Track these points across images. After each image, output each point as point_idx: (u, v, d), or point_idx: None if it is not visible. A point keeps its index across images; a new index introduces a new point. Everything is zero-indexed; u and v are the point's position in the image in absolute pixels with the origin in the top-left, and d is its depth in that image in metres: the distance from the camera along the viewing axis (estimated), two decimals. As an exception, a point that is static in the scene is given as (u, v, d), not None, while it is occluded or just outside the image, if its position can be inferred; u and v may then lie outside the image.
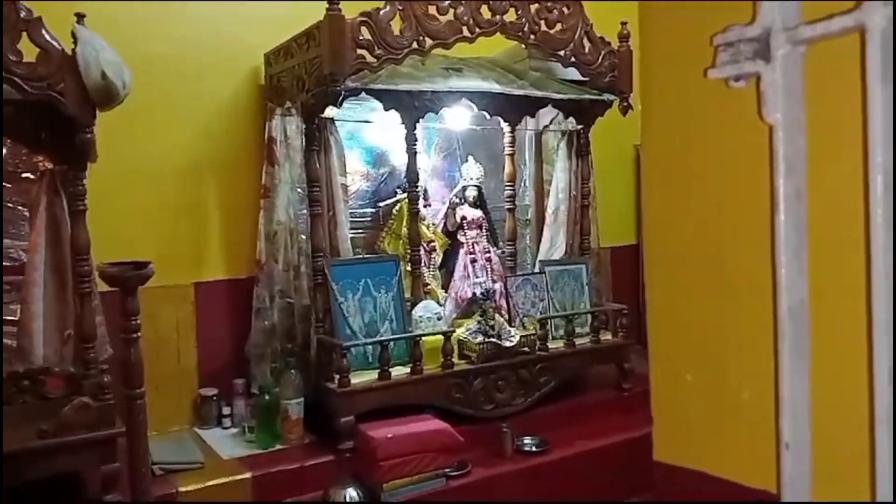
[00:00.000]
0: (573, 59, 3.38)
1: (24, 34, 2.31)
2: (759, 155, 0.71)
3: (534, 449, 3.20)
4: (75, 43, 2.37)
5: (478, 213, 3.80)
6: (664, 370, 0.85)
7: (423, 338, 3.15)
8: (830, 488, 0.68)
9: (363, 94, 3.14)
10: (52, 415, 2.33)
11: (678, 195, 0.82)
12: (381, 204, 3.68)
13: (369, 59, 2.86)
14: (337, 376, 2.93)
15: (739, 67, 0.71)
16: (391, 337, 3.12)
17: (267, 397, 3.01)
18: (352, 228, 3.51)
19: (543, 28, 3.25)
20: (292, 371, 3.01)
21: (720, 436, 0.77)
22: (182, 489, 2.66)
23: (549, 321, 3.57)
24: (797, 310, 0.70)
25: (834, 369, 0.69)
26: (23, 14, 2.29)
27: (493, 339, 3.28)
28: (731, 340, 0.78)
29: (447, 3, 2.98)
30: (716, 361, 0.79)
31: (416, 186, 3.37)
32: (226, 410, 3.20)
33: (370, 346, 3.11)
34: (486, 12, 3.09)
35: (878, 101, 0.61)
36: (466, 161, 3.83)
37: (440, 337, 3.18)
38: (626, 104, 3.55)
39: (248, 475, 2.77)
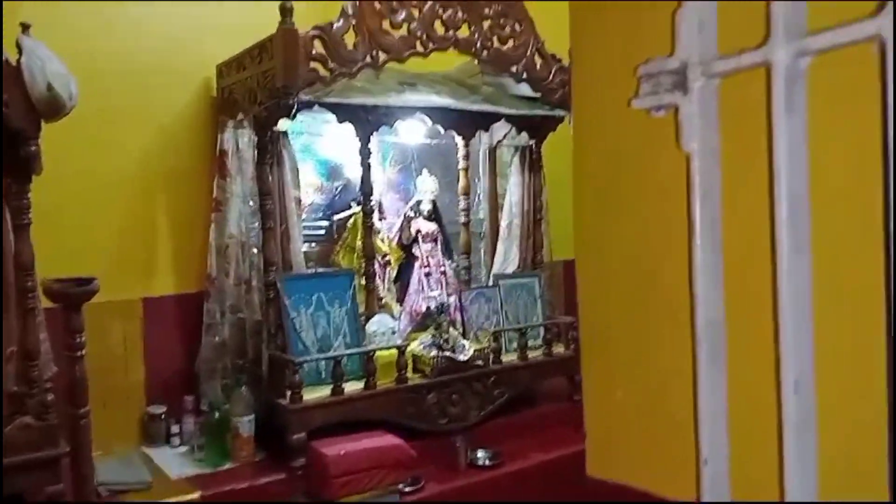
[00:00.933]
0: (525, 75, 3.44)
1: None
2: (679, 181, 0.74)
3: (487, 462, 3.21)
4: (20, 53, 2.33)
5: (433, 226, 3.83)
6: (596, 387, 0.87)
7: (377, 352, 3.15)
8: (749, 498, 0.72)
9: (317, 106, 3.15)
10: (-8, 435, 2.26)
11: (606, 218, 0.86)
12: (336, 217, 3.67)
13: (323, 72, 2.87)
14: (289, 392, 2.90)
15: (660, 98, 0.74)
16: (344, 352, 3.11)
17: (217, 414, 2.97)
18: (305, 242, 3.49)
19: (496, 44, 3.31)
20: (243, 387, 2.98)
21: (648, 450, 0.80)
22: (128, 509, 2.60)
23: (502, 334, 3.60)
24: (713, 325, 0.74)
25: (748, 382, 0.72)
26: (-36, 24, 2.24)
27: (448, 353, 3.30)
28: (657, 357, 0.81)
29: (401, 18, 3.01)
30: (644, 377, 0.82)
31: (371, 200, 3.38)
32: (174, 429, 3.14)
33: (323, 362, 3.10)
34: (439, 28, 3.13)
35: (783, 132, 0.65)
36: (421, 174, 3.85)
37: (394, 351, 3.19)
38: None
39: (196, 495, 2.72)
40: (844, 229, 0.65)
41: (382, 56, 2.99)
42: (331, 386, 3.01)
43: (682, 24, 0.72)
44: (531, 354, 3.61)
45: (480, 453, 3.23)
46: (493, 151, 4.21)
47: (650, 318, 0.79)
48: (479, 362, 3.40)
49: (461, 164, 3.96)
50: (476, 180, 4.17)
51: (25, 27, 2.38)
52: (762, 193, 0.66)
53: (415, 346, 3.35)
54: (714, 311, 0.72)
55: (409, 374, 3.23)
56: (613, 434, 0.83)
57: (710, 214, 0.73)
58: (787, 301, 0.66)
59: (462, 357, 3.33)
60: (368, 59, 2.95)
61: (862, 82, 0.61)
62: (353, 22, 2.90)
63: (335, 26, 2.86)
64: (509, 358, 3.57)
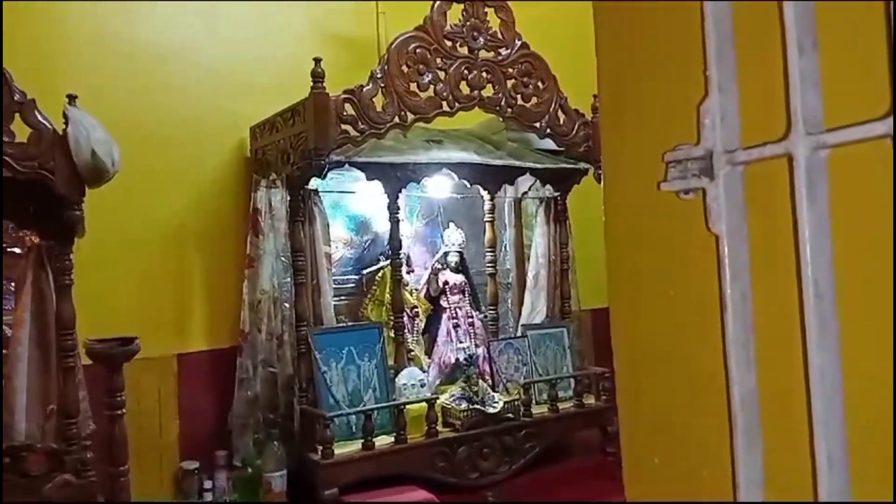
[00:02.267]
0: (549, 130, 3.51)
1: (17, 115, 2.39)
2: (710, 259, 0.78)
3: (519, 517, 3.19)
4: (66, 123, 2.45)
5: (460, 277, 3.87)
6: (634, 454, 0.90)
7: (407, 406, 3.17)
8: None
9: (347, 165, 3.24)
10: (33, 493, 2.31)
11: (640, 296, 0.89)
12: (365, 271, 3.74)
13: (353, 133, 2.97)
14: (320, 447, 2.93)
15: (687, 183, 0.78)
16: (374, 406, 3.14)
17: (249, 470, 3.00)
18: (335, 296, 3.55)
19: (520, 102, 3.39)
20: (275, 442, 3.01)
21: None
22: (162, 567, 2.62)
23: (532, 386, 3.60)
24: (747, 400, 0.76)
25: (783, 457, 0.74)
26: (17, 97, 2.37)
27: (477, 406, 3.30)
28: (693, 427, 0.83)
29: (427, 80, 3.11)
30: (679, 445, 0.84)
31: (399, 254, 3.44)
32: (207, 484, 3.17)
33: (354, 416, 3.12)
34: (464, 88, 3.22)
35: (805, 220, 0.69)
36: (448, 227, 3.92)
37: (424, 404, 3.20)
38: (601, 172, 3.66)
39: (230, 551, 2.73)
40: (869, 311, 0.68)
41: (410, 116, 3.08)
42: (361, 440, 3.03)
43: (706, 115, 0.77)
44: (562, 406, 3.60)
45: (512, 508, 3.21)
46: (518, 203, 4.27)
47: (685, 391, 0.82)
48: (510, 415, 3.40)
49: (487, 217, 4.02)
50: (502, 231, 4.23)
51: (71, 98, 2.51)
52: (790, 273, 0.70)
53: (444, 399, 3.36)
54: (747, 387, 0.75)
55: (440, 427, 3.23)
56: (653, 498, 0.86)
57: (741, 292, 0.76)
58: (816, 380, 0.69)
59: (492, 409, 3.33)
60: (397, 119, 3.05)
61: (881, 173, 0.64)
62: (382, 85, 3.00)
63: (364, 89, 2.97)
64: (540, 410, 3.56)
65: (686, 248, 0.77)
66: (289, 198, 3.24)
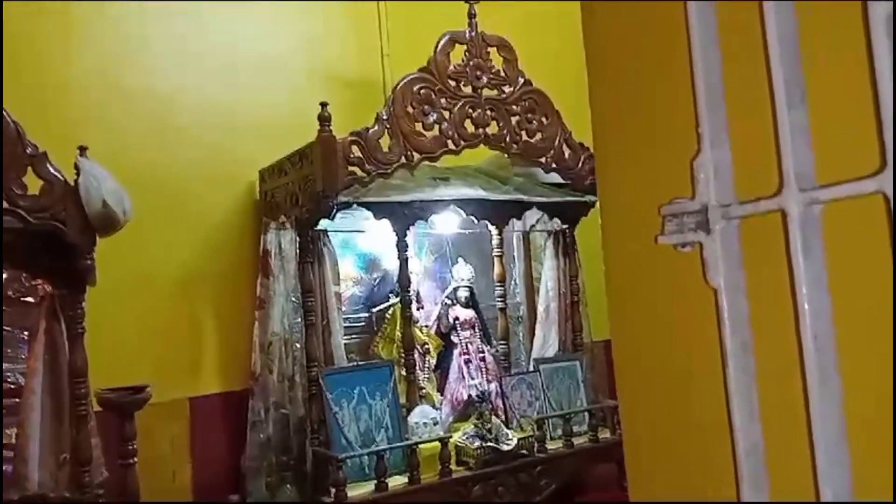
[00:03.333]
0: (554, 164, 3.53)
1: (29, 168, 2.44)
2: (710, 311, 0.78)
3: (536, 557, 3.14)
4: (77, 174, 2.50)
5: (470, 312, 3.87)
6: (643, 493, 0.89)
7: (420, 445, 3.15)
8: None
9: (355, 205, 3.27)
10: (47, 543, 2.31)
11: (641, 348, 0.89)
12: (375, 309, 3.74)
13: (360, 174, 3.00)
14: (333, 489, 2.90)
15: (684, 237, 0.79)
16: (387, 447, 3.12)
17: (263, 513, 2.98)
18: (346, 334, 3.56)
19: (524, 138, 3.42)
20: (288, 486, 3.00)
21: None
22: None
23: (546, 421, 3.57)
24: (752, 450, 0.76)
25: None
26: (29, 150, 2.42)
27: (491, 444, 3.28)
28: (698, 477, 0.83)
29: (432, 119, 3.15)
30: (691, 493, 0.84)
31: (409, 291, 3.45)
32: (222, 528, 3.15)
33: (366, 456, 3.10)
34: (469, 126, 3.26)
35: (802, 273, 0.69)
36: (457, 262, 3.93)
37: (437, 443, 3.18)
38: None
39: None
40: (869, 362, 0.68)
41: (416, 156, 3.11)
42: (374, 482, 3.00)
43: (699, 170, 0.78)
44: (577, 441, 3.56)
45: (529, 548, 3.16)
46: (526, 236, 4.28)
47: (692, 442, 0.82)
48: (524, 451, 3.36)
49: (496, 251, 4.03)
50: (511, 265, 4.23)
51: (82, 149, 2.56)
52: (790, 325, 0.70)
53: (458, 438, 3.33)
54: (752, 439, 0.75)
55: (453, 465, 3.20)
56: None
57: (741, 343, 0.76)
58: (819, 434, 0.68)
59: (506, 447, 3.30)
60: (403, 159, 3.08)
61: (874, 227, 0.65)
62: (388, 126, 3.04)
63: (371, 131, 3.01)
64: (554, 445, 3.53)
65: (685, 300, 0.78)
66: (298, 239, 3.26)
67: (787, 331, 0.68)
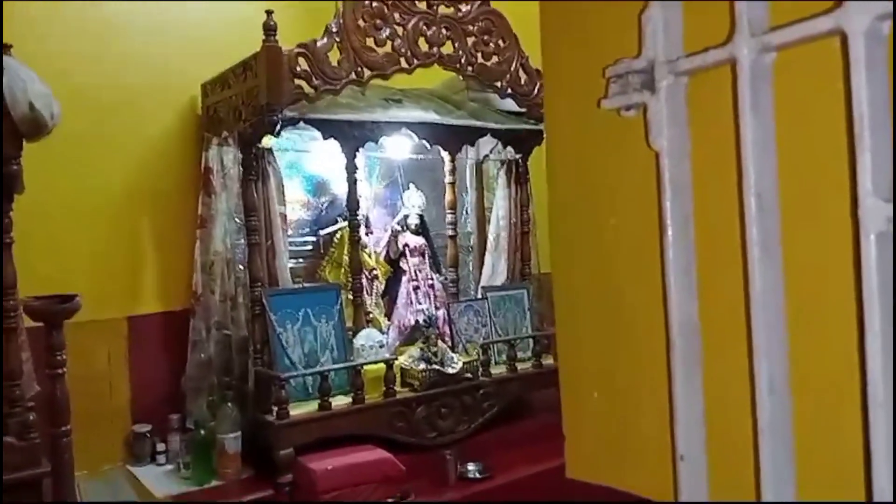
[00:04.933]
0: (510, 90, 3.46)
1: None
2: (651, 179, 0.75)
3: (477, 475, 3.19)
4: (1, 74, 2.32)
5: (420, 240, 3.83)
6: (573, 388, 0.87)
7: (365, 367, 3.13)
8: (726, 497, 0.71)
9: (302, 123, 3.15)
10: (-28, 456, 2.22)
11: (579, 220, 0.86)
12: (322, 232, 3.66)
13: (307, 89, 2.88)
14: (275, 408, 2.88)
15: (628, 98, 0.75)
16: (330, 367, 3.10)
17: (202, 432, 2.94)
18: (292, 258, 3.49)
19: (480, 60, 3.33)
20: (229, 404, 2.95)
21: (625, 450, 0.80)
22: (113, 530, 2.57)
23: (491, 346, 3.59)
24: (687, 325, 0.74)
25: (723, 382, 0.72)
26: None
27: (436, 367, 3.28)
28: (632, 358, 0.81)
29: (385, 35, 3.03)
30: (619, 378, 0.82)
31: (357, 215, 3.38)
32: (160, 447, 3.11)
33: (310, 377, 3.08)
34: (423, 45, 3.14)
35: (749, 129, 0.66)
36: (408, 189, 3.86)
37: (382, 366, 3.17)
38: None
39: (182, 513, 2.69)
40: (814, 226, 0.65)
41: (367, 73, 3.00)
42: (318, 401, 2.99)
43: (647, 24, 0.73)
44: (520, 366, 3.60)
45: (470, 466, 3.21)
46: (479, 165, 4.23)
47: (624, 320, 0.79)
48: (468, 375, 3.39)
49: (448, 179, 3.97)
50: (463, 194, 4.19)
51: (6, 47, 2.38)
52: (732, 190, 0.67)
53: (403, 360, 3.33)
54: (688, 312, 0.72)
55: (398, 388, 3.21)
56: (591, 436, 0.83)
57: (682, 212, 0.73)
58: (757, 300, 0.66)
59: (451, 370, 3.32)
60: (353, 75, 2.96)
61: (827, 78, 0.61)
62: (337, 39, 2.91)
63: (319, 44, 2.87)
64: (498, 370, 3.56)
65: (627, 169, 0.74)
66: (241, 156, 3.14)
67: (730, 196, 0.65)
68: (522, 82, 3.50)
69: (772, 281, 0.66)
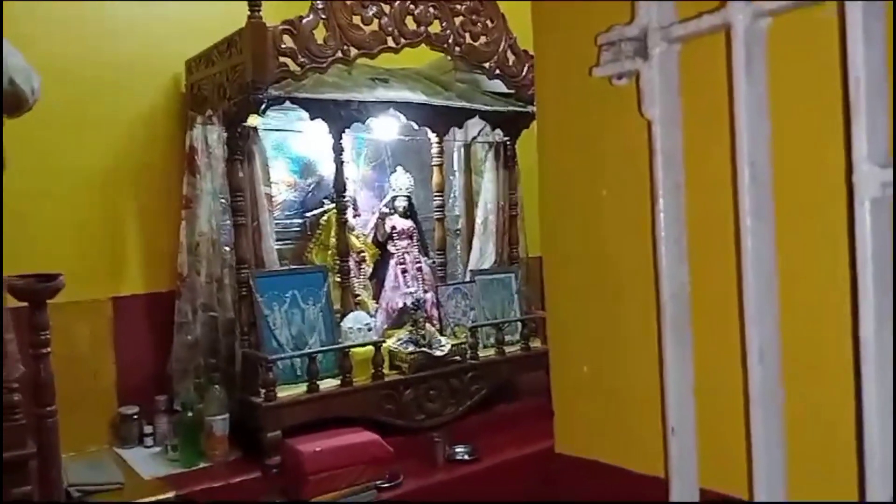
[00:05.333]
0: (498, 71, 3.44)
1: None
2: (643, 148, 0.73)
3: (465, 458, 3.20)
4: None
5: (408, 223, 3.80)
6: (562, 363, 0.86)
7: (353, 349, 3.12)
8: (716, 471, 0.71)
9: (288, 102, 3.11)
10: (-45, 438, 2.20)
11: (570, 192, 0.85)
12: (309, 214, 3.63)
13: (293, 67, 2.84)
14: (263, 390, 2.87)
15: (621, 66, 0.73)
16: (319, 349, 3.08)
17: (190, 414, 2.92)
18: (279, 240, 3.46)
19: (468, 40, 3.30)
20: (216, 386, 2.93)
21: (614, 424, 0.79)
22: (100, 511, 2.55)
23: (479, 329, 3.59)
24: (678, 296, 0.73)
25: (714, 354, 0.71)
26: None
27: (424, 349, 3.28)
28: (621, 331, 0.80)
29: (371, 13, 2.99)
30: (609, 352, 0.81)
31: (344, 196, 3.35)
32: (147, 429, 3.09)
33: (298, 360, 3.07)
34: (410, 23, 3.11)
35: (743, 96, 0.65)
36: (395, 171, 3.83)
37: (370, 348, 3.16)
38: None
39: (170, 494, 2.67)
40: (807, 193, 0.64)
41: (353, 51, 2.97)
42: (306, 384, 2.98)
43: (642, -11, 0.72)
44: (508, 350, 3.61)
45: (459, 449, 3.22)
46: (467, 148, 4.20)
47: (615, 292, 0.78)
48: (457, 358, 3.39)
49: (435, 161, 3.93)
50: (451, 177, 4.17)
51: (-17, 24, 2.33)
52: (725, 159, 0.66)
53: (391, 343, 3.33)
54: (679, 282, 0.71)
55: (386, 370, 3.20)
56: (581, 411, 0.82)
57: (674, 181, 0.72)
58: (749, 269, 0.65)
59: (439, 353, 3.31)
60: (339, 54, 2.93)
61: (822, 44, 0.60)
62: (323, 16, 2.87)
63: (305, 21, 2.84)
64: (487, 353, 3.56)
65: (619, 139, 0.73)
66: (226, 135, 3.10)
67: (723, 165, 0.64)
68: (511, 63, 3.48)
69: (764, 249, 0.66)
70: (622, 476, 0.79)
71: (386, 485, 2.90)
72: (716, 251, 0.69)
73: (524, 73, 3.52)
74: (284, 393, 2.93)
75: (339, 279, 3.36)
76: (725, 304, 0.68)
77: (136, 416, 3.10)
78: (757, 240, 0.65)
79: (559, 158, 0.85)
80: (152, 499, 2.65)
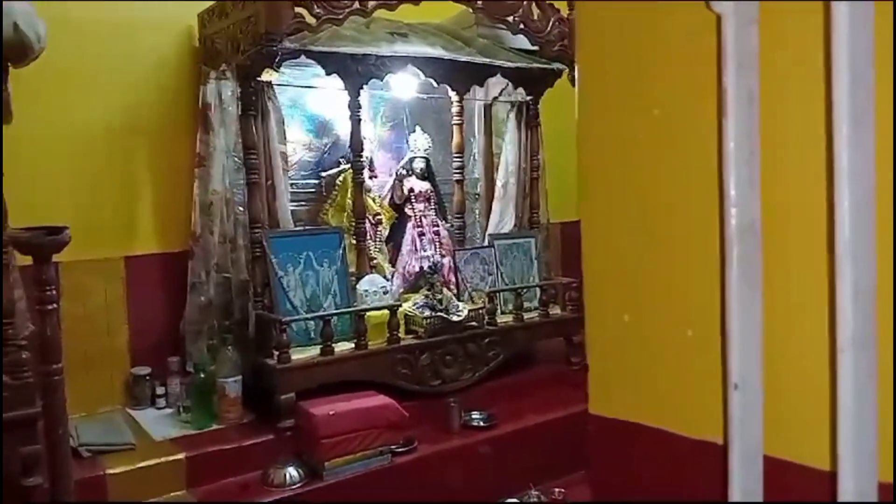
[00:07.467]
0: (522, 25, 3.29)
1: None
2: (707, 54, 0.62)
3: (481, 424, 3.13)
4: (-22, -4, 2.18)
5: (426, 185, 3.69)
6: (599, 311, 0.76)
7: (369, 312, 3.05)
8: (785, 434, 0.61)
9: (303, 57, 3.00)
10: (-37, 394, 2.15)
11: (613, 113, 0.73)
12: (325, 174, 3.53)
13: (308, 18, 2.72)
14: (276, 352, 2.80)
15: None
16: (334, 311, 3.01)
17: (202, 375, 2.87)
18: (294, 201, 3.37)
19: (491, -8, 3.15)
20: (229, 348, 2.87)
21: (661, 382, 0.69)
22: (110, 471, 2.51)
23: (497, 295, 3.50)
24: (747, 231, 0.62)
25: (789, 297, 0.61)
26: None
27: (441, 314, 3.19)
28: (673, 272, 0.69)
29: (391, -38, 2.85)
30: (656, 297, 0.71)
31: (361, 156, 3.24)
32: (160, 390, 3.05)
33: (312, 322, 2.99)
34: (431, -27, 2.97)
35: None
36: (414, 132, 3.71)
37: (386, 312, 3.08)
38: (574, 75, 3.48)
39: (181, 456, 2.63)
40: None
41: (371, 2, 2.83)
42: (320, 346, 2.91)
43: None
44: (527, 316, 3.52)
45: (475, 414, 3.15)
46: (488, 108, 4.07)
47: (666, 228, 0.68)
48: (474, 323, 3.30)
49: (455, 121, 3.81)
50: (471, 138, 4.04)
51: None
52: (815, 58, 0.54)
53: (407, 307, 3.24)
54: (749, 211, 0.61)
55: (402, 334, 3.12)
56: (620, 365, 0.72)
57: (747, 88, 0.61)
58: (845, 188, 0.54)
59: (456, 318, 3.23)
60: (356, 4, 2.80)
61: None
62: (341, -36, 2.74)
63: (321, -32, 2.71)
64: (504, 319, 3.48)
65: (676, 42, 0.62)
66: (240, 90, 2.99)
67: (810, 66, 0.52)
68: (535, 18, 3.33)
69: (862, 163, 0.54)
70: (667, 440, 0.69)
71: (401, 449, 2.84)
72: (798, 171, 0.58)
73: (549, 28, 3.36)
74: (298, 355, 2.86)
75: (354, 241, 3.27)
76: (807, 235, 0.57)
77: (148, 377, 3.05)
78: (854, 149, 0.54)
79: (600, 72, 0.73)
80: (163, 459, 2.61)
